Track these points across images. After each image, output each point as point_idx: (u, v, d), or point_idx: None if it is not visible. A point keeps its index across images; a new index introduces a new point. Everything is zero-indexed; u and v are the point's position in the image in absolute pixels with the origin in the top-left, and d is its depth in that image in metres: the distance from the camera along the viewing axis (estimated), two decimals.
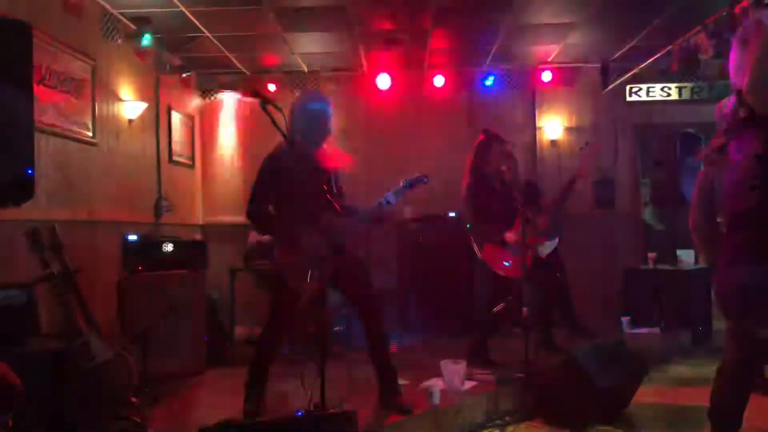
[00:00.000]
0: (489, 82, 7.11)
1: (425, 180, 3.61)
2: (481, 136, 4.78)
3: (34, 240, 3.26)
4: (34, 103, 3.15)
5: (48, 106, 4.18)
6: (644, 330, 5.76)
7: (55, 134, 4.28)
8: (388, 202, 3.48)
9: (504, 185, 4.67)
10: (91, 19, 4.93)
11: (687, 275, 5.90)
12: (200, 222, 7.24)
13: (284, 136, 3.22)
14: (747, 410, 2.82)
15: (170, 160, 6.42)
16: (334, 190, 3.54)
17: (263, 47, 6.50)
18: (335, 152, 3.72)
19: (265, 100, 3.11)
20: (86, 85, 4.72)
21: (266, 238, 4.72)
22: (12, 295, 3.11)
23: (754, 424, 3.30)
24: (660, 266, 6.14)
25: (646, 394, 4.00)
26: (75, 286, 3.40)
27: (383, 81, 6.94)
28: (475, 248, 4.64)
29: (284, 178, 3.42)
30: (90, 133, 4.77)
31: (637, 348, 5.07)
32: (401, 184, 3.57)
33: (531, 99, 7.33)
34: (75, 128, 4.55)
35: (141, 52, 5.60)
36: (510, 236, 4.51)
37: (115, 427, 3.23)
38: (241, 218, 3.68)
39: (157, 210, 6.00)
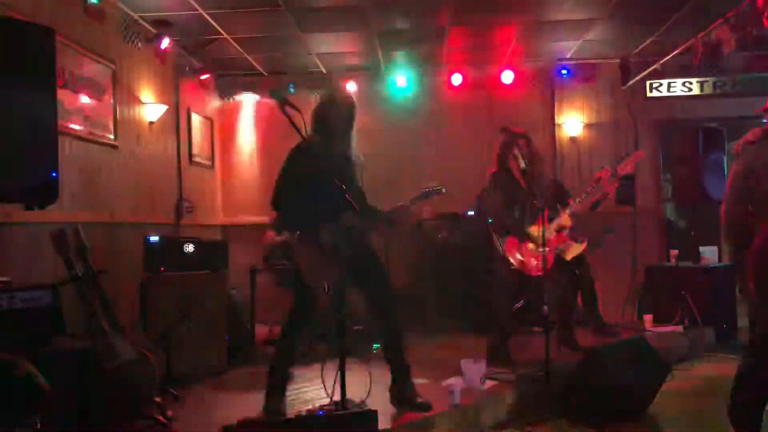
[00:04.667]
0: (507, 79, 7.07)
1: (443, 191, 3.61)
2: (503, 135, 4.75)
3: (59, 242, 3.32)
4: (58, 107, 3.20)
5: (71, 110, 4.25)
6: (667, 328, 5.69)
7: (77, 137, 4.35)
8: (405, 207, 3.50)
9: (528, 182, 4.64)
10: (112, 23, 5.00)
11: (710, 272, 5.82)
12: (220, 222, 7.29)
13: (302, 136, 3.23)
14: None
15: (190, 161, 6.48)
16: (356, 189, 3.54)
17: (281, 48, 6.54)
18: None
19: (283, 101, 3.14)
20: (108, 89, 4.79)
21: (284, 237, 4.72)
22: (38, 296, 3.16)
23: None
24: (682, 263, 6.07)
25: (669, 393, 3.96)
26: (99, 286, 3.45)
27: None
28: (496, 244, 4.62)
29: (308, 170, 3.41)
30: (112, 136, 4.84)
31: (660, 346, 5.03)
32: (420, 192, 3.55)
33: (550, 96, 7.28)
34: (97, 131, 4.62)
35: (160, 55, 5.67)
36: (534, 231, 4.48)
37: (139, 426, 3.28)
38: (260, 218, 3.72)
39: (178, 211, 6.07)
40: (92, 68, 4.57)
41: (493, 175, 4.73)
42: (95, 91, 4.59)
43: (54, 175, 2.88)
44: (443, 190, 3.58)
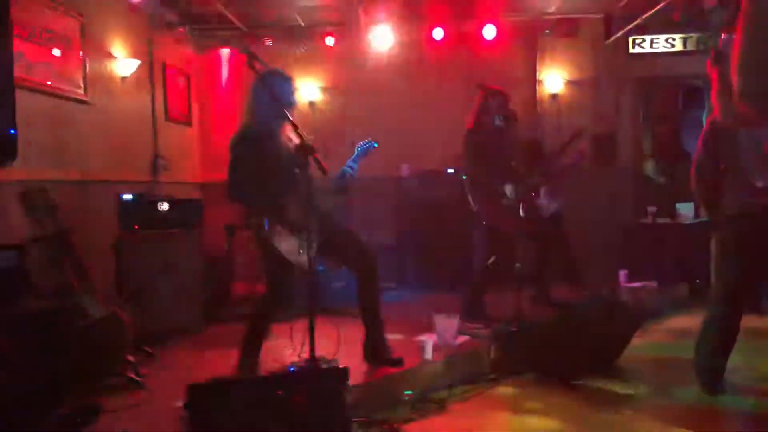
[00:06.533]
0: (489, 34, 6.94)
1: (375, 144, 3.64)
2: (481, 93, 4.72)
3: (27, 201, 3.27)
4: (19, 59, 3.10)
5: (36, 63, 4.13)
6: (641, 283, 5.77)
7: (44, 92, 4.24)
8: (351, 169, 3.51)
9: (503, 141, 4.63)
10: None
11: (685, 229, 5.88)
12: (199, 180, 7.22)
13: (272, 93, 3.18)
14: None
15: (166, 117, 6.37)
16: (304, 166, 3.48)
17: (258, 1, 6.37)
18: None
19: (252, 56, 3.07)
20: (76, 42, 4.65)
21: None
22: (3, 257, 3.12)
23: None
24: (659, 220, 6.12)
25: (639, 346, 4.03)
26: (69, 246, 3.42)
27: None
28: (470, 200, 4.64)
29: (259, 157, 3.37)
30: (81, 91, 4.73)
31: (634, 301, 5.10)
32: (355, 151, 3.59)
33: (532, 52, 7.19)
34: (65, 86, 4.50)
35: (133, 8, 5.51)
36: (508, 189, 4.49)
37: (112, 384, 3.29)
38: None
39: (154, 168, 5.99)
40: (58, 20, 4.42)
41: (469, 132, 4.70)
42: (62, 45, 4.46)
43: (12, 132, 2.80)
44: (375, 144, 3.61)
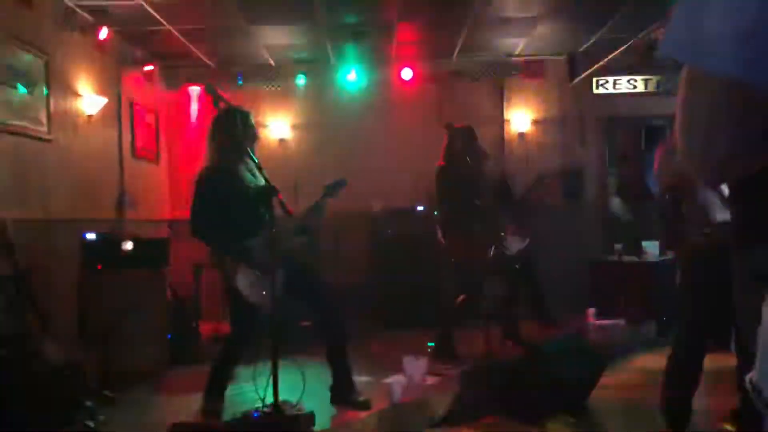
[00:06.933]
0: (406, 75, 6.97)
1: (344, 183, 3.63)
2: (448, 131, 4.78)
3: None
4: None
5: None
6: (609, 321, 5.81)
7: (5, 131, 4.16)
8: (319, 209, 3.51)
9: (473, 179, 4.67)
10: (45, 10, 4.78)
11: (651, 267, 5.96)
12: (167, 217, 7.13)
13: (234, 134, 3.18)
14: None
15: (134, 155, 6.30)
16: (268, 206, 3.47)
17: (228, 40, 6.40)
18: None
19: (217, 97, 3.07)
20: (39, 80, 4.60)
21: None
22: None
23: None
24: (626, 258, 6.20)
25: (607, 386, 4.03)
26: (27, 287, 3.33)
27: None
28: (439, 236, 4.67)
29: (221, 194, 3.36)
30: (45, 129, 4.65)
31: (601, 340, 5.12)
32: (323, 191, 3.59)
33: (499, 92, 7.33)
34: (27, 124, 4.43)
35: (100, 45, 5.49)
36: (477, 226, 4.52)
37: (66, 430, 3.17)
38: None
39: (120, 206, 5.90)
40: (22, 58, 4.38)
41: (439, 169, 4.74)
42: (26, 83, 4.41)
43: None
44: (344, 183, 3.61)
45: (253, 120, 3.56)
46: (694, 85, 0.78)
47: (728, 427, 3.18)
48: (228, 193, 3.34)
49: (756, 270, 0.99)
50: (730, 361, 3.19)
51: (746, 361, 0.87)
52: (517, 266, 4.85)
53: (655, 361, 4.96)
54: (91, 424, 3.24)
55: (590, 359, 3.87)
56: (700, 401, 3.27)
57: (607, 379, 4.04)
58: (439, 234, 4.70)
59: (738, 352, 3.07)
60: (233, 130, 3.33)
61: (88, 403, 3.32)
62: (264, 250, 3.22)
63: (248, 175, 3.44)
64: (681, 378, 3.22)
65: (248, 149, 3.30)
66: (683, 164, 0.86)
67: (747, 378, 0.81)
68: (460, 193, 4.62)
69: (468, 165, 4.61)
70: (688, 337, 3.21)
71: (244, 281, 3.30)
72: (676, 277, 3.44)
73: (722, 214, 2.98)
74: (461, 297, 4.58)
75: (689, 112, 0.80)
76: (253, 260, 3.30)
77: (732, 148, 0.76)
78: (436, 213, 4.81)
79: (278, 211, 3.21)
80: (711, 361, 3.22)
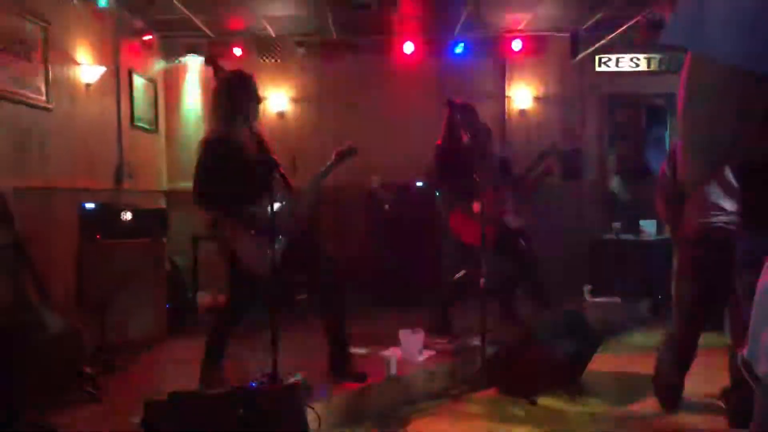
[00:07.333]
0: (459, 49, 7.00)
1: (355, 150, 3.65)
2: (450, 108, 4.75)
3: None
4: None
5: None
6: (605, 299, 5.85)
7: (4, 99, 4.14)
8: (324, 175, 3.52)
9: (473, 156, 4.66)
10: None
11: (648, 245, 5.99)
12: (165, 188, 7.13)
13: (233, 104, 3.17)
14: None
15: (132, 125, 6.27)
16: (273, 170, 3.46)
17: (228, 9, 6.33)
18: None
19: (218, 69, 3.05)
20: (38, 48, 4.56)
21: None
22: None
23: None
24: (623, 236, 6.23)
25: (601, 363, 4.08)
26: (26, 256, 3.34)
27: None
28: (443, 216, 4.68)
29: (229, 162, 3.35)
30: (43, 98, 4.62)
31: (598, 317, 5.17)
32: (333, 158, 3.58)
33: (501, 68, 7.27)
34: (26, 92, 4.40)
35: (99, 14, 5.43)
36: (476, 207, 4.52)
37: (69, 398, 3.21)
38: None
39: (118, 176, 5.89)
40: (19, 26, 4.33)
41: (438, 146, 4.73)
42: (24, 50, 4.37)
43: None
44: (355, 150, 3.63)
45: (255, 83, 3.51)
46: (697, 70, 0.79)
47: (719, 403, 3.22)
48: (231, 160, 3.33)
49: (756, 251, 1.01)
50: (723, 340, 3.25)
51: (738, 339, 0.89)
52: (518, 244, 4.84)
53: (648, 338, 5.03)
54: (91, 390, 3.28)
55: (585, 337, 3.91)
56: (692, 379, 3.32)
57: (601, 356, 4.09)
58: (441, 213, 4.70)
59: (731, 331, 3.11)
60: (235, 98, 3.31)
61: (88, 370, 3.36)
62: (266, 216, 3.22)
63: (251, 142, 3.42)
64: (675, 356, 3.26)
65: (251, 116, 3.28)
66: (682, 182, 0.87)
67: (738, 354, 0.82)
68: (460, 170, 4.61)
69: (468, 142, 4.59)
70: (683, 319, 3.24)
71: (244, 246, 3.30)
72: (672, 258, 3.46)
73: (725, 202, 2.97)
74: (460, 272, 4.60)
75: (692, 97, 0.81)
76: (254, 225, 3.30)
77: (734, 132, 0.77)
78: (438, 194, 4.80)
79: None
80: (704, 340, 3.26)
